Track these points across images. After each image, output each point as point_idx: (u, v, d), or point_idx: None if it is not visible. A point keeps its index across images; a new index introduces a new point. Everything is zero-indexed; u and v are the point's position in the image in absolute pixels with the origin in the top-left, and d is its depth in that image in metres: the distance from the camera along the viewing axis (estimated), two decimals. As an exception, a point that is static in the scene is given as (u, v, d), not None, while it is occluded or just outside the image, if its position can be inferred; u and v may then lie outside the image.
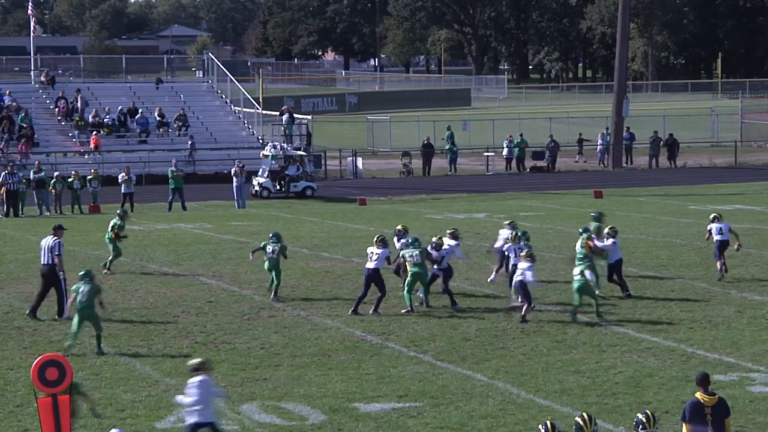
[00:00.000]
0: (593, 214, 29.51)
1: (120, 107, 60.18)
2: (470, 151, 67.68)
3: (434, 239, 26.43)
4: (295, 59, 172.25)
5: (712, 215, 29.64)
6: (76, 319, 21.85)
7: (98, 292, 22.13)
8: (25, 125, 56.87)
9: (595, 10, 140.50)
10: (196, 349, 22.15)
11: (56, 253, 25.14)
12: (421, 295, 25.79)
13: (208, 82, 68.15)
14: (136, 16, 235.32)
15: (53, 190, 45.61)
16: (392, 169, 62.00)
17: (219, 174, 56.02)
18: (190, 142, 57.59)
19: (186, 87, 68.39)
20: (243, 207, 47.07)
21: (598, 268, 25.60)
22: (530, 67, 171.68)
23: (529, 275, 24.38)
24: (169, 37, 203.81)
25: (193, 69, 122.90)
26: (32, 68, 67.88)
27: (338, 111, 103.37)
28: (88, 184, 46.23)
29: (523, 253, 25.05)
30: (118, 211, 32.03)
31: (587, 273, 24.32)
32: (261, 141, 59.59)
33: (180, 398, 15.97)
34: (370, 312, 24.94)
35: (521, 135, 63.60)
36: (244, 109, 63.55)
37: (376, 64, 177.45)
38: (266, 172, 51.75)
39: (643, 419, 13.72)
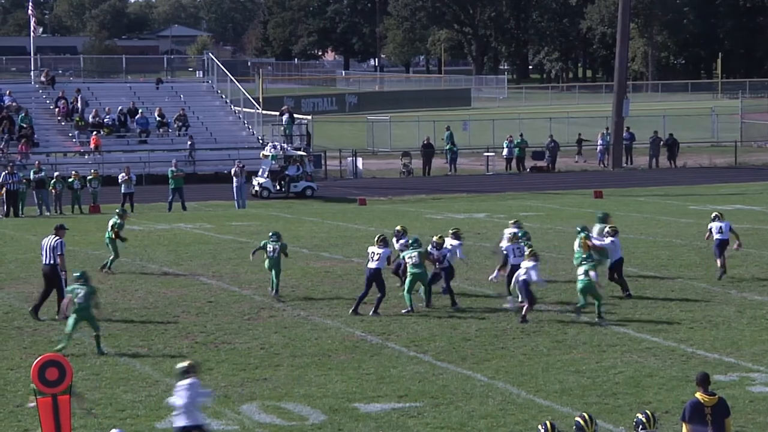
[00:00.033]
0: (599, 215, 29.50)
1: (120, 107, 60.18)
2: (470, 151, 67.68)
3: (434, 238, 26.43)
4: (295, 59, 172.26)
5: (713, 214, 29.68)
6: (72, 320, 21.82)
7: (94, 293, 22.13)
8: (25, 125, 56.89)
9: (595, 10, 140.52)
10: (196, 349, 22.17)
11: (59, 253, 25.20)
12: (422, 295, 25.79)
13: (208, 82, 68.16)
14: (136, 16, 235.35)
15: (53, 190, 45.61)
16: (392, 169, 62.01)
17: (219, 174, 56.02)
18: (189, 143, 57.58)
19: (186, 87, 68.40)
20: (243, 207, 47.07)
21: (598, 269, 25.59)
22: (530, 67, 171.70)
23: (533, 275, 24.36)
24: (169, 37, 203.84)
25: (190, 69, 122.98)
26: (32, 68, 67.88)
27: (338, 111, 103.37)
28: (88, 184, 46.23)
29: (527, 252, 25.03)
30: (118, 211, 32.03)
31: (592, 273, 24.35)
32: (261, 141, 59.60)
33: (170, 400, 15.95)
34: (370, 313, 24.94)
35: (521, 135, 63.61)
36: (244, 109, 63.55)
37: (376, 64, 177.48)
38: (266, 172, 51.76)
39: (643, 419, 13.72)
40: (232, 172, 47.97)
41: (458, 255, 26.84)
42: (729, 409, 14.48)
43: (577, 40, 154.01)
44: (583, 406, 17.88)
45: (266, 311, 25.58)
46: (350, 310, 25.24)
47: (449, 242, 26.81)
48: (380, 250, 25.22)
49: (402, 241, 26.98)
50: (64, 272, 25.12)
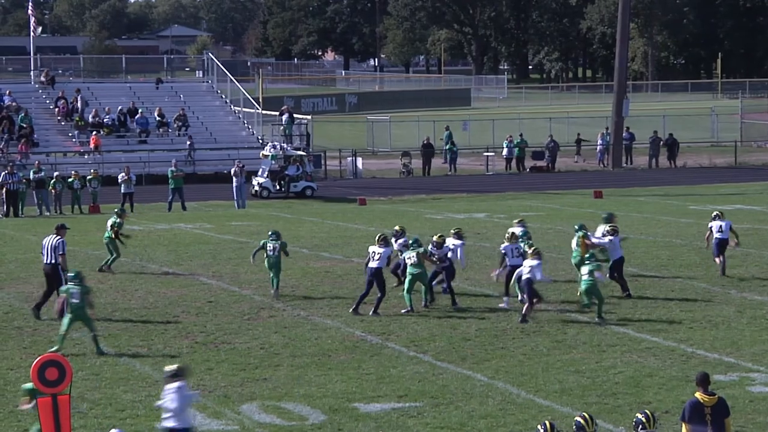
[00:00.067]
0: (604, 215, 29.51)
1: (120, 107, 60.18)
2: (470, 151, 67.69)
3: (434, 238, 26.43)
4: (295, 59, 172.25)
5: (714, 213, 29.74)
6: (67, 320, 21.80)
7: (88, 293, 22.12)
8: (24, 125, 56.88)
9: (595, 10, 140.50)
10: (196, 349, 22.18)
11: (60, 252, 25.28)
12: (422, 295, 25.78)
13: (208, 82, 68.16)
14: (136, 16, 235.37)
15: (53, 190, 45.61)
16: (392, 169, 62.01)
17: (219, 174, 56.03)
18: (188, 143, 57.57)
19: (186, 87, 68.40)
20: (243, 207, 47.07)
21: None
22: (530, 67, 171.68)
23: (538, 274, 24.37)
24: (169, 37, 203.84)
25: (187, 69, 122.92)
26: (32, 68, 67.86)
27: (338, 111, 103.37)
28: (88, 184, 46.22)
29: (530, 251, 25.01)
30: (117, 210, 32.05)
31: (597, 274, 24.39)
32: (261, 141, 59.60)
33: (160, 404, 15.92)
34: (370, 313, 24.94)
35: (521, 135, 63.61)
36: (244, 109, 63.56)
37: (376, 64, 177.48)
38: (266, 172, 51.76)
39: (643, 419, 13.73)
40: (232, 172, 47.97)
41: (459, 256, 26.82)
42: (729, 409, 14.48)
43: (577, 40, 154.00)
44: (583, 406, 17.88)
45: (266, 311, 25.58)
46: (351, 309, 25.25)
47: (451, 242, 26.82)
48: (381, 250, 25.24)
49: (400, 241, 26.99)
50: (66, 272, 25.17)
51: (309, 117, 67.33)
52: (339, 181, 57.81)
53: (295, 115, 61.72)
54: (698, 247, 32.51)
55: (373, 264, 25.18)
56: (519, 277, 24.83)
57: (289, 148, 54.37)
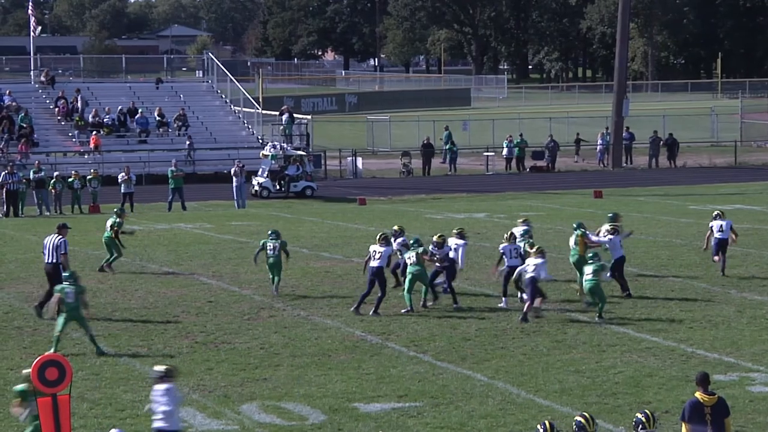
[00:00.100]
0: (609, 214, 29.56)
1: (120, 107, 60.18)
2: (470, 151, 67.69)
3: (435, 238, 26.44)
4: (295, 59, 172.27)
5: (715, 213, 29.75)
6: (61, 321, 21.76)
7: (83, 293, 22.11)
8: (24, 125, 56.88)
9: (595, 10, 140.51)
10: (196, 349, 22.19)
11: (62, 252, 25.34)
12: (422, 295, 25.79)
13: (208, 82, 68.16)
14: (136, 16, 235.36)
15: (53, 190, 45.61)
16: (392, 169, 62.01)
17: (219, 174, 56.04)
18: (188, 142, 57.57)
19: (186, 87, 68.39)
20: (243, 207, 47.07)
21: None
22: (530, 67, 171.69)
23: (542, 273, 24.39)
24: (169, 37, 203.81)
25: (184, 69, 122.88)
26: (32, 68, 67.85)
27: (338, 111, 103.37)
28: (88, 184, 46.23)
29: (534, 249, 25.01)
30: (116, 210, 32.06)
31: (603, 274, 24.44)
32: (261, 141, 59.60)
33: (150, 407, 15.87)
34: (371, 313, 24.95)
35: (521, 135, 63.62)
36: (244, 109, 63.56)
37: (376, 64, 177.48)
38: (266, 172, 51.76)
39: (643, 419, 13.73)
40: (232, 172, 47.97)
41: (459, 257, 26.79)
42: (729, 409, 14.48)
43: (577, 40, 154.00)
44: (583, 405, 17.88)
45: (266, 311, 25.59)
46: (352, 308, 25.25)
47: (454, 242, 26.82)
48: (382, 249, 25.26)
49: (399, 240, 27.00)
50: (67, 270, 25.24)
51: (309, 117, 67.33)
52: (339, 181, 57.82)
53: (295, 115, 61.72)
54: (698, 247, 32.48)
55: (374, 263, 25.20)
56: (520, 276, 24.84)
57: (289, 148, 54.37)
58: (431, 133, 65.63)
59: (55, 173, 47.34)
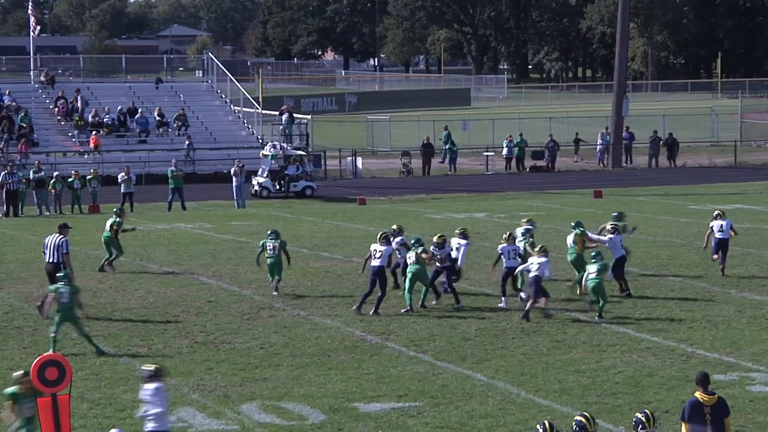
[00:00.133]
0: (614, 213, 29.60)
1: (120, 107, 60.17)
2: (470, 150, 67.69)
3: (435, 239, 26.44)
4: (295, 59, 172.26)
5: (715, 212, 29.77)
6: (56, 321, 21.73)
7: (77, 293, 22.10)
8: (24, 125, 56.88)
9: (595, 9, 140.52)
10: (196, 349, 22.19)
11: (64, 252, 25.38)
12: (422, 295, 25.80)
13: (207, 81, 68.15)
14: (136, 16, 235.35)
15: (53, 190, 45.61)
16: (392, 169, 62.01)
17: (218, 174, 56.05)
18: (187, 142, 57.56)
19: (186, 87, 68.38)
20: (243, 207, 47.07)
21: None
22: (530, 66, 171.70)
23: (546, 271, 24.42)
24: (168, 37, 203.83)
25: (180, 69, 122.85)
26: (32, 68, 67.84)
27: (338, 111, 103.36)
28: (87, 184, 46.22)
29: (537, 249, 25.03)
30: (116, 210, 32.06)
31: (607, 273, 24.47)
32: (261, 141, 59.59)
33: (141, 410, 15.77)
34: (371, 313, 24.95)
35: (521, 135, 63.61)
36: (244, 109, 63.55)
37: (376, 63, 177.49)
38: (266, 172, 51.76)
39: (643, 419, 13.73)
40: (232, 172, 47.97)
41: (460, 257, 26.79)
42: (728, 409, 14.48)
43: (577, 39, 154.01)
44: (583, 405, 17.88)
45: (266, 311, 25.59)
46: (354, 307, 25.24)
47: (456, 241, 26.84)
48: (382, 248, 25.28)
49: (397, 239, 27.01)
50: (69, 269, 25.27)
51: (309, 117, 67.33)
52: (339, 181, 57.82)
53: (294, 115, 61.71)
54: (698, 246, 32.49)
55: (375, 262, 25.22)
56: (521, 275, 24.85)
57: (288, 147, 54.36)
58: (431, 133, 65.62)
59: (55, 173, 47.33)
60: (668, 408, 17.87)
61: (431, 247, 26.05)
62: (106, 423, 17.40)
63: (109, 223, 31.00)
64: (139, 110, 59.87)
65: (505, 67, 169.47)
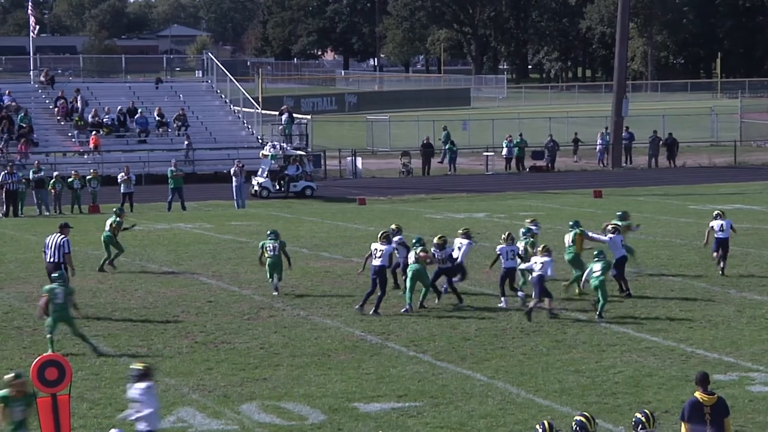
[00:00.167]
0: (618, 213, 29.61)
1: (119, 107, 60.16)
2: (470, 150, 67.69)
3: (435, 240, 26.44)
4: (295, 59, 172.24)
5: (715, 212, 29.77)
6: (51, 322, 21.67)
7: (72, 293, 22.08)
8: (24, 125, 56.87)
9: (595, 9, 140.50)
10: (196, 349, 22.19)
11: (65, 251, 25.40)
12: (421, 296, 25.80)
13: (207, 81, 68.14)
14: (136, 16, 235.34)
15: (53, 190, 45.60)
16: (392, 169, 62.01)
17: (218, 174, 56.05)
18: (186, 142, 57.55)
19: (185, 87, 68.37)
20: (242, 207, 47.07)
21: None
22: (530, 66, 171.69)
23: (549, 270, 24.44)
24: (168, 37, 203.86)
25: (177, 69, 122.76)
26: (32, 68, 67.83)
27: (338, 111, 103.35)
28: (87, 184, 46.22)
29: (540, 248, 25.04)
30: (115, 210, 32.07)
31: (611, 271, 24.51)
32: (260, 141, 59.59)
33: (130, 411, 15.68)
34: (371, 312, 24.95)
35: (521, 135, 63.61)
36: (244, 109, 63.55)
37: (376, 63, 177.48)
38: (266, 172, 51.76)
39: (643, 419, 13.74)
40: (232, 172, 47.97)
41: (461, 255, 26.79)
42: (728, 409, 14.48)
43: (577, 39, 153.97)
44: (583, 405, 17.88)
45: (266, 311, 25.59)
46: (357, 306, 25.24)
47: (459, 241, 26.84)
48: (383, 247, 25.30)
49: (396, 239, 27.02)
50: (71, 269, 25.34)
51: (309, 117, 67.33)
52: (339, 181, 57.81)
53: (294, 115, 61.72)
54: (698, 246, 32.51)
55: (376, 262, 25.23)
56: (523, 275, 24.86)
57: (288, 147, 54.37)
58: (431, 133, 65.61)
59: (55, 173, 47.32)
60: (668, 408, 17.88)
61: (432, 248, 26.05)
62: (106, 423, 17.40)
63: (108, 222, 31.02)
64: (139, 110, 59.87)
65: (505, 67, 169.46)
